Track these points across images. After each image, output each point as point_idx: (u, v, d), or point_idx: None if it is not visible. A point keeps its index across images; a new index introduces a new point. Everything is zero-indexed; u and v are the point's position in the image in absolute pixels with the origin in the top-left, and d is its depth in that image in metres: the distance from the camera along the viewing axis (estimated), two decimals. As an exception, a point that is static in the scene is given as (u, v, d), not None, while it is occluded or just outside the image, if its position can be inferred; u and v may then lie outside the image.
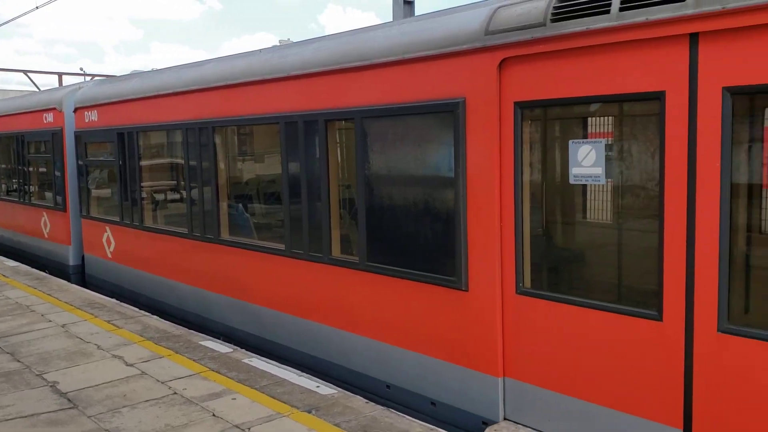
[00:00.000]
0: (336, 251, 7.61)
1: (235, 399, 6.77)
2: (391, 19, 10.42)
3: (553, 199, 6.56)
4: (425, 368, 6.65)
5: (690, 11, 4.49)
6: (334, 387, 7.12)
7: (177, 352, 8.34)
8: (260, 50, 8.81)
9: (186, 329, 9.53)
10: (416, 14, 10.29)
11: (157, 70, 11.63)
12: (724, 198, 4.56)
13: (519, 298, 5.82)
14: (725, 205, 4.56)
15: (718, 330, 4.62)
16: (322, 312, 7.82)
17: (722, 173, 4.55)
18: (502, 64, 5.70)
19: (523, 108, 5.66)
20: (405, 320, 6.80)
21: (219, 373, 7.56)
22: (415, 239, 6.59)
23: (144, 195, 11.36)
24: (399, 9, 10.59)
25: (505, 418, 6.06)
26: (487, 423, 6.10)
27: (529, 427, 5.88)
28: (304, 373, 7.60)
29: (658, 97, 4.77)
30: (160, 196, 11.50)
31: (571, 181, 5.50)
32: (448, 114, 6.12)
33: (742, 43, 4.37)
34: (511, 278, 5.85)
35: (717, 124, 4.53)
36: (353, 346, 7.45)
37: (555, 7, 5.27)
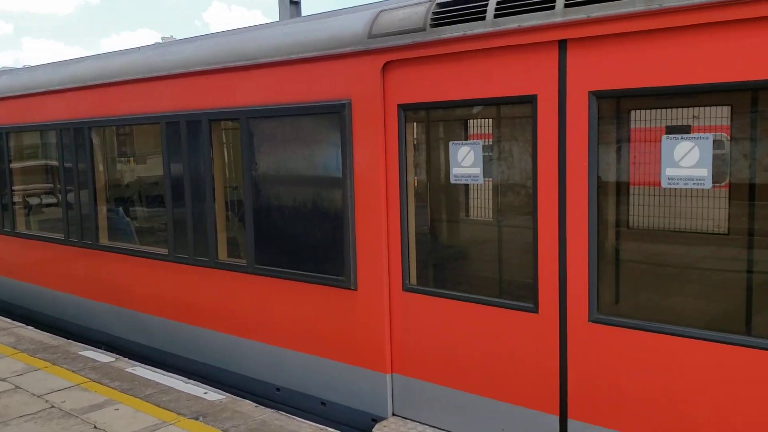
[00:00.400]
0: (223, 255, 7.48)
1: (117, 409, 6.52)
2: (278, 19, 10.34)
3: (437, 198, 6.75)
4: (315, 369, 6.66)
5: (558, 19, 4.75)
6: (223, 393, 7.00)
7: (55, 364, 7.92)
8: (140, 48, 8.51)
9: (65, 339, 9.07)
10: (303, 15, 10.27)
11: (30, 67, 10.99)
12: (592, 195, 4.84)
13: (405, 295, 5.95)
14: (593, 202, 4.85)
15: (589, 320, 4.91)
16: (209, 317, 7.66)
17: (590, 172, 4.83)
18: (386, 67, 5.81)
19: (407, 110, 5.79)
20: (295, 322, 6.78)
21: (100, 383, 7.25)
22: (304, 240, 6.59)
23: (16, 199, 10.70)
24: (285, 9, 10.51)
25: (393, 414, 6.18)
26: (376, 420, 6.20)
27: (417, 421, 6.02)
28: (191, 380, 7.42)
29: (530, 100, 5.02)
30: (34, 200, 10.86)
31: (452, 181, 5.68)
32: (335, 115, 6.16)
33: (606, 50, 4.67)
34: (398, 276, 5.97)
35: (584, 126, 4.81)
36: (243, 350, 7.35)
37: (434, 13, 5.42)
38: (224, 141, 7.66)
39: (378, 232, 5.99)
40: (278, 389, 7.05)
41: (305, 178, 6.59)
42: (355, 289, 6.19)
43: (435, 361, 5.83)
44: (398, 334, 6.05)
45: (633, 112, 6.14)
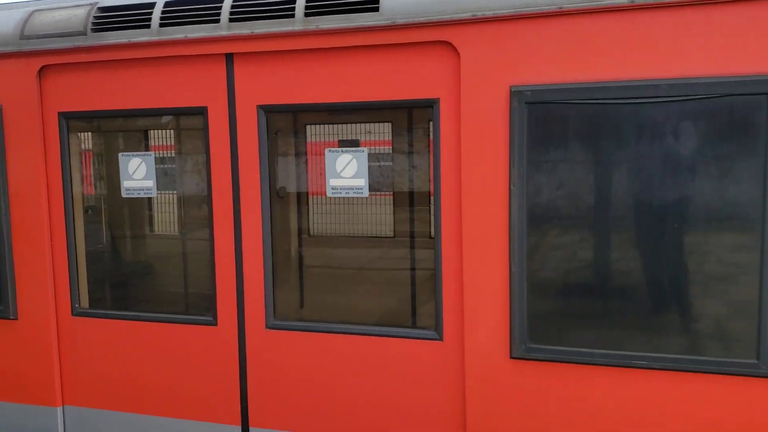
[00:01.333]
0: None
1: None
2: None
3: (115, 213, 6.38)
4: (-30, 412, 5.83)
5: (224, 33, 4.79)
6: None
7: None
8: None
9: None
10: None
11: None
12: (265, 207, 4.96)
13: (76, 320, 5.49)
14: (266, 213, 4.97)
15: (266, 327, 5.02)
16: None
17: (262, 183, 4.94)
18: (43, 71, 5.31)
19: (69, 119, 5.36)
20: (-59, 361, 5.86)
21: None
22: (-50, 266, 5.73)
23: None
24: (-73, -1, 9.07)
25: (67, 450, 5.67)
26: (47, 460, 5.63)
27: (94, 454, 5.61)
28: None
29: (202, 112, 4.98)
30: None
31: (124, 194, 5.40)
32: (-18, 123, 5.46)
33: (271, 65, 4.81)
34: (67, 300, 5.49)
35: (255, 138, 4.91)
36: None
37: (95, 17, 5.10)
38: None
39: (40, 253, 5.44)
40: None
41: (-51, 194, 5.73)
42: (16, 319, 5.55)
43: (113, 387, 5.47)
44: (69, 363, 5.56)
45: (309, 127, 6.46)
